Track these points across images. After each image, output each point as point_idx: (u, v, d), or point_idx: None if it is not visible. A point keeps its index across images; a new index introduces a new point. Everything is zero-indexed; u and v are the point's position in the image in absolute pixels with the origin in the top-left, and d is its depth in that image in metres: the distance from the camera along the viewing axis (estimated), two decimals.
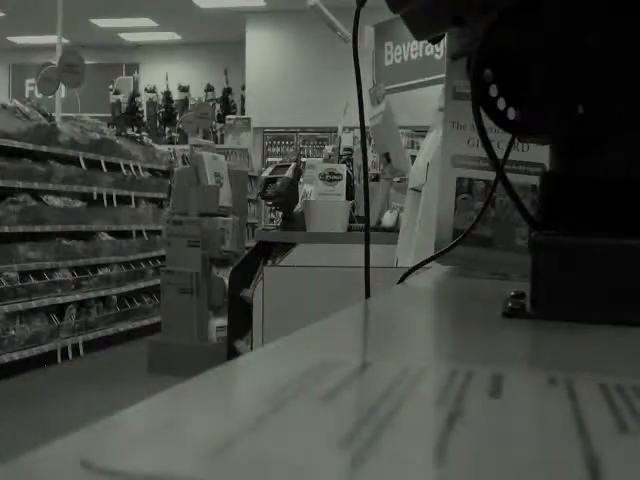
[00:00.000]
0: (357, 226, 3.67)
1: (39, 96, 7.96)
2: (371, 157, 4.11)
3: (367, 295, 0.97)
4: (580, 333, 0.56)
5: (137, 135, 7.97)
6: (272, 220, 7.78)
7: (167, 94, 13.64)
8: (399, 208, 3.47)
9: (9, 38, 13.99)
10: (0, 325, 5.35)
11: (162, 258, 6.67)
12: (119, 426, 0.30)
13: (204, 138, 9.65)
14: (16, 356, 5.40)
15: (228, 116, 11.38)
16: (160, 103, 13.61)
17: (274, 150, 12.24)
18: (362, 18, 0.89)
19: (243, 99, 12.76)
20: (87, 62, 7.91)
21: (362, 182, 1.10)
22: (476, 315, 0.68)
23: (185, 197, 5.95)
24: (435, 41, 0.80)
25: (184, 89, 13.63)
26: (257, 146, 11.65)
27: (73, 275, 6.19)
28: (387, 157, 3.56)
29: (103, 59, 13.77)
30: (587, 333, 0.56)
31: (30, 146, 5.71)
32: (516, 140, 0.83)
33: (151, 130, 12.61)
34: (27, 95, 12.91)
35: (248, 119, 10.74)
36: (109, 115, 12.90)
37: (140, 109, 13.57)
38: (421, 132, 5.54)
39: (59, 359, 5.88)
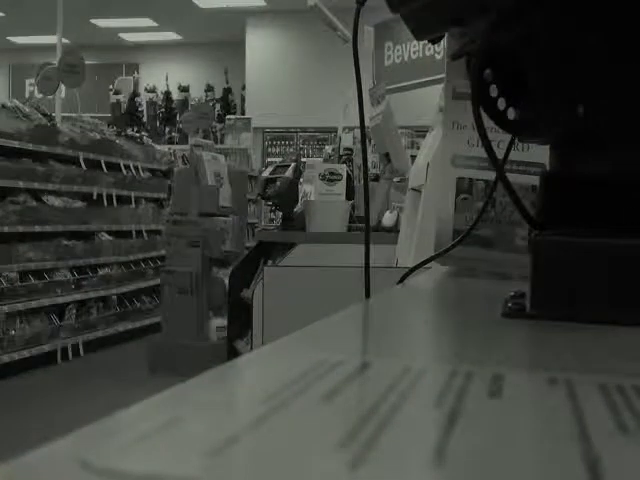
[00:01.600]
0: (357, 226, 3.67)
1: (39, 96, 7.95)
2: (371, 157, 4.11)
3: (367, 295, 0.97)
4: (580, 333, 0.56)
5: (137, 135, 7.97)
6: (272, 220, 7.77)
7: (167, 94, 13.64)
8: (399, 208, 3.47)
9: (9, 38, 13.99)
10: (0, 325, 5.35)
11: (162, 258, 6.66)
12: (119, 426, 0.30)
13: (204, 138, 9.64)
14: (16, 356, 5.40)
15: (228, 116, 11.38)
16: (160, 103, 13.61)
17: (274, 150, 12.23)
18: (362, 18, 0.89)
19: (243, 99, 12.76)
20: (87, 62, 7.91)
21: (362, 182, 1.10)
22: (476, 315, 0.68)
23: (185, 197, 5.95)
24: (435, 41, 0.80)
25: (184, 89, 13.63)
26: (257, 146, 11.65)
27: (73, 275, 6.19)
28: (387, 157, 3.57)
29: (103, 59, 13.76)
30: (587, 333, 0.56)
31: (30, 146, 5.71)
32: (516, 140, 0.83)
33: (151, 130, 12.60)
34: (27, 95, 12.90)
35: (248, 119, 10.74)
36: (109, 115, 12.89)
37: (140, 109, 13.56)
38: (421, 132, 5.52)
39: (59, 359, 5.88)
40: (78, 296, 6.19)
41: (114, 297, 6.74)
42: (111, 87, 13.81)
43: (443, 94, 1.07)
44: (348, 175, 3.83)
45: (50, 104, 7.45)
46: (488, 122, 0.66)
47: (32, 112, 6.00)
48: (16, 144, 5.58)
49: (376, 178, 3.95)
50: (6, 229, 5.45)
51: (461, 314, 0.72)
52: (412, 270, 0.94)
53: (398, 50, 5.89)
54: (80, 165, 6.31)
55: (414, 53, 5.76)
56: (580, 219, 0.63)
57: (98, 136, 6.75)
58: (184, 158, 8.22)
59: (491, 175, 0.93)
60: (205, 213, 5.85)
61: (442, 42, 0.84)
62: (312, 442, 0.27)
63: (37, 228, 5.75)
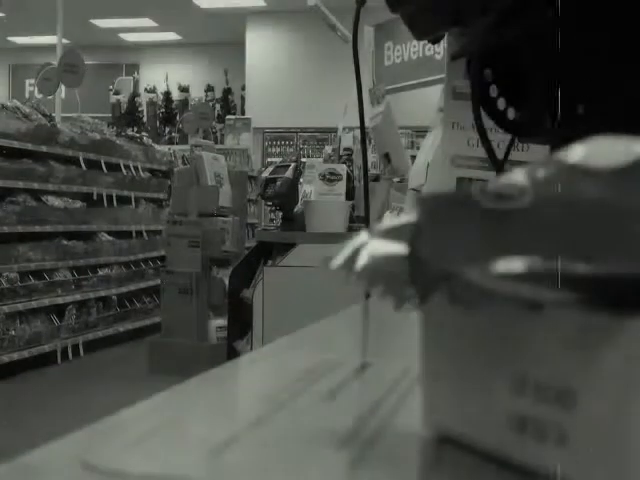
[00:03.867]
0: (357, 226, 3.67)
1: (39, 96, 7.95)
2: (371, 157, 4.11)
3: (367, 295, 0.97)
4: None
5: (137, 135, 7.97)
6: (272, 220, 7.77)
7: (167, 94, 13.64)
8: (399, 208, 3.46)
9: (9, 38, 13.99)
10: (0, 325, 5.34)
11: (162, 258, 6.66)
12: (119, 426, 0.30)
13: (204, 138, 9.64)
14: (16, 356, 5.39)
15: (228, 116, 11.37)
16: (160, 103, 13.61)
17: (274, 150, 12.23)
18: (362, 18, 0.89)
19: (243, 99, 12.76)
20: (87, 62, 7.91)
21: (362, 182, 1.10)
22: None
23: (185, 197, 5.94)
24: (435, 41, 0.80)
25: (184, 89, 13.63)
26: (257, 146, 11.64)
27: (73, 275, 6.19)
28: (387, 157, 3.56)
29: (103, 59, 13.77)
30: None
31: (30, 146, 5.71)
32: (516, 140, 0.83)
33: (151, 130, 12.60)
34: (27, 95, 12.90)
35: (248, 119, 10.74)
36: (109, 115, 12.89)
37: (140, 109, 13.56)
38: (421, 132, 5.51)
39: (59, 359, 5.88)
40: (78, 296, 6.18)
41: (114, 297, 6.74)
42: (111, 87, 13.81)
43: (443, 94, 1.07)
44: (348, 175, 3.83)
45: (50, 104, 7.45)
46: (488, 122, 0.66)
47: (32, 112, 6.00)
48: (16, 144, 5.57)
49: (376, 178, 3.95)
50: (6, 229, 5.44)
51: None
52: None
53: (398, 50, 5.89)
54: (80, 165, 6.31)
55: (414, 53, 5.76)
56: None
57: (98, 136, 6.75)
58: (184, 158, 8.22)
59: (491, 175, 0.93)
60: (205, 213, 5.85)
61: (442, 42, 0.84)
62: (312, 442, 0.27)
63: (37, 228, 5.75)
